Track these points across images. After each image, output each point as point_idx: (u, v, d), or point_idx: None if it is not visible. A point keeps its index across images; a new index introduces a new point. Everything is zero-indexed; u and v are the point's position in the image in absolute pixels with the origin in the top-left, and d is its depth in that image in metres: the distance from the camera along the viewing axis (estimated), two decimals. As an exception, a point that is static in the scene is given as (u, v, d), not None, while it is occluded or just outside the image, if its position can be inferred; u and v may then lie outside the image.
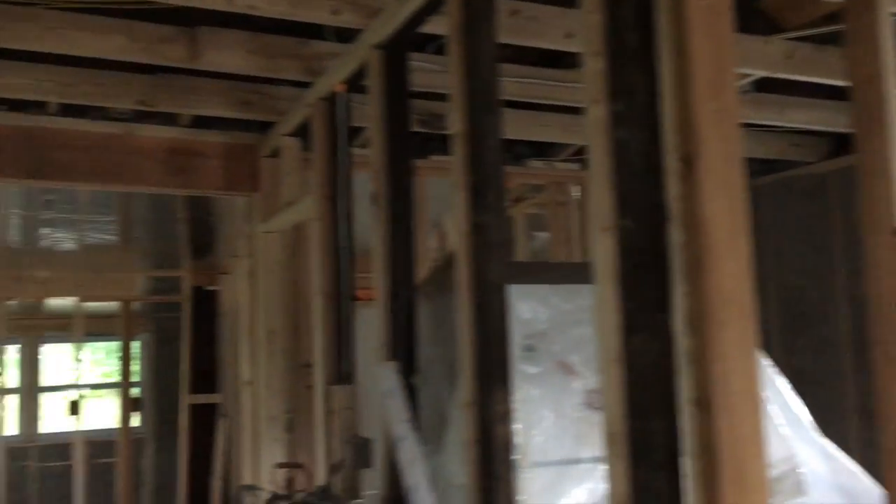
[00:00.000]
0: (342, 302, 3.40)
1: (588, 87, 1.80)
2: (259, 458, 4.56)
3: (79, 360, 7.06)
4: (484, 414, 2.18)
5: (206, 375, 7.00)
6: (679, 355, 1.62)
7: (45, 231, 6.10)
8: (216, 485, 6.66)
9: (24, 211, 5.81)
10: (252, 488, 3.22)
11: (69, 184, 4.45)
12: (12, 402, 6.71)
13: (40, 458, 8.26)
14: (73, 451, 6.99)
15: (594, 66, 1.77)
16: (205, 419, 6.96)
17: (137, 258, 6.95)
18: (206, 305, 7.10)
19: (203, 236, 6.85)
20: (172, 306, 8.18)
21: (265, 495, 2.94)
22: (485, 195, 2.27)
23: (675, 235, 1.63)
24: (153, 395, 8.85)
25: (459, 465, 2.25)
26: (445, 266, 2.82)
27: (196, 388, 6.98)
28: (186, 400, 6.95)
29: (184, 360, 7.02)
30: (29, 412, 8.70)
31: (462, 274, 2.27)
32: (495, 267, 2.23)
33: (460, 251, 2.29)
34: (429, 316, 2.85)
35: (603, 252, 1.72)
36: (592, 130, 1.78)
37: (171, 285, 7.54)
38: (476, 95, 2.29)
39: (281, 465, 3.56)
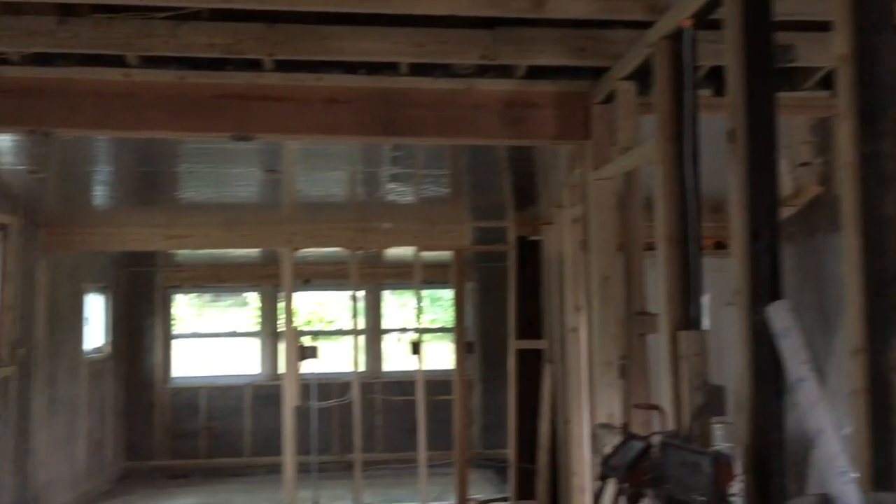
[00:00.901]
0: (689, 246, 3.31)
1: None
2: (594, 403, 4.64)
3: (416, 307, 7.66)
4: (876, 361, 2.00)
5: (531, 322, 7.27)
6: None
7: (390, 186, 6.66)
8: (543, 427, 6.93)
9: (371, 167, 6.39)
10: (608, 427, 3.28)
11: (418, 139, 4.80)
12: (359, 343, 7.53)
13: (384, 392, 9.19)
14: (411, 387, 7.67)
15: None
16: (530, 364, 7.25)
17: (466, 210, 7.35)
18: (529, 255, 7.36)
19: (526, 188, 7.06)
20: (496, 256, 8.58)
21: (620, 435, 2.98)
22: (876, 122, 2.05)
23: None
24: (479, 341, 9.42)
25: (842, 415, 2.10)
26: (812, 207, 2.62)
27: (522, 335, 7.28)
28: (513, 345, 7.28)
29: (510, 308, 7.34)
30: (374, 352, 9.68)
31: (848, 209, 2.09)
32: (891, 200, 2.01)
33: (846, 185, 2.10)
34: (793, 260, 2.67)
35: None
36: None
37: (496, 236, 7.91)
38: (866, 13, 2.07)
39: (638, 406, 3.58)
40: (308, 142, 5.57)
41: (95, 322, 8.44)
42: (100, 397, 8.41)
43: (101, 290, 8.59)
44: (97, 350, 8.44)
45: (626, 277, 4.49)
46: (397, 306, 13.08)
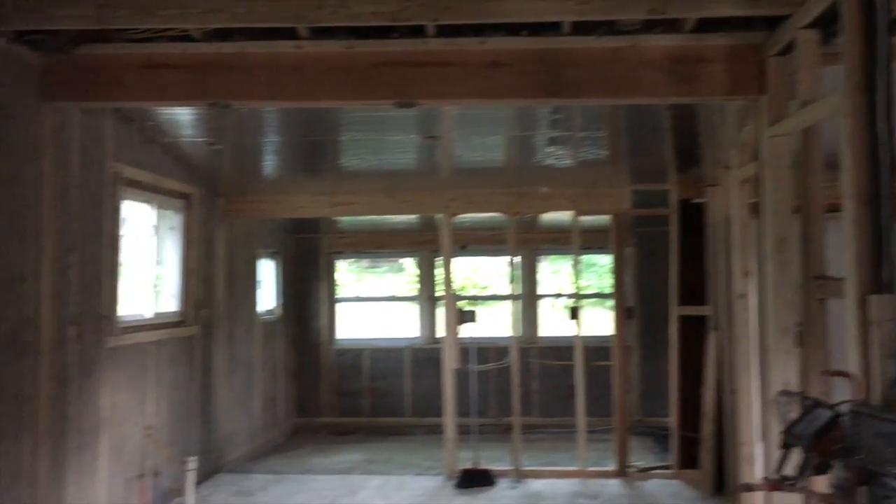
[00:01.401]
0: (881, 204, 3.08)
1: None
2: (767, 371, 4.45)
3: (574, 272, 7.59)
4: None
5: (694, 288, 7.04)
6: None
7: (548, 150, 6.59)
8: (708, 395, 6.73)
9: (528, 131, 6.35)
10: (790, 394, 3.13)
11: (580, 100, 4.71)
12: (514, 309, 7.54)
13: (540, 357, 9.20)
14: (567, 353, 7.63)
15: None
16: (693, 331, 7.04)
17: (625, 173, 7.17)
18: (692, 218, 7.11)
19: (689, 149, 6.80)
20: (655, 220, 8.34)
21: (800, 403, 2.84)
22: None
23: None
24: (638, 307, 9.22)
25: None
26: None
27: (684, 301, 7.07)
28: (675, 311, 7.09)
29: (672, 273, 7.13)
30: (529, 317, 9.70)
31: None
32: None
33: None
34: None
35: None
36: None
37: (656, 199, 7.68)
38: None
39: (826, 374, 3.41)
40: (466, 107, 5.60)
41: (267, 286, 8.93)
42: (272, 357, 8.92)
43: (271, 256, 9.06)
44: (269, 312, 8.94)
45: (803, 240, 4.26)
46: (550, 272, 13.02)
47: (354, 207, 7.64)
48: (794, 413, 2.83)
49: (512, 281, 7.74)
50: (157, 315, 6.32)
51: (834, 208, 3.75)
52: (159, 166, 6.20)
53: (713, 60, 4.42)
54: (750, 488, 3.70)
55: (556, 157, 6.74)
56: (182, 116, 5.87)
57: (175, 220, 6.68)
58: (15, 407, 4.40)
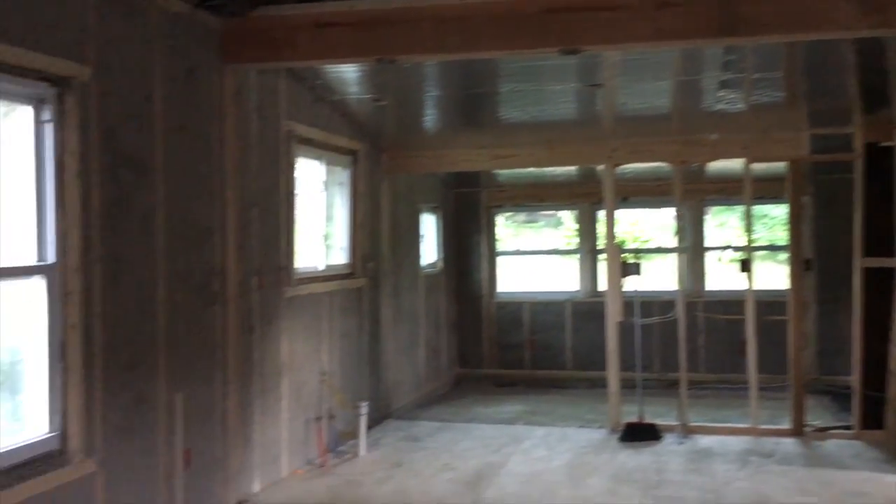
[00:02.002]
0: None
1: None
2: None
3: (745, 223, 7.24)
4: None
5: (881, 238, 6.55)
6: None
7: (719, 94, 6.26)
8: (894, 351, 6.28)
9: (696, 75, 6.05)
10: None
11: (757, 38, 4.44)
12: (679, 262, 7.27)
13: (706, 311, 8.90)
14: (735, 307, 7.33)
15: None
16: (878, 283, 6.57)
17: (803, 116, 6.72)
18: (880, 163, 6.58)
19: (877, 87, 6.27)
20: (834, 167, 7.80)
21: None
22: None
23: None
24: (814, 260, 8.70)
25: None
26: None
27: (869, 252, 6.59)
28: (859, 263, 6.62)
29: (855, 223, 6.66)
30: (696, 271, 9.38)
31: None
32: None
33: None
34: None
35: None
36: None
37: (835, 143, 7.16)
38: None
39: None
40: (630, 52, 5.41)
41: (429, 240, 9.11)
42: (435, 309, 9.13)
43: (432, 210, 9.22)
44: (431, 265, 9.13)
45: None
46: (716, 225, 12.52)
47: (515, 160, 7.62)
48: None
49: (677, 233, 7.49)
50: (329, 267, 6.61)
51: None
52: (328, 123, 6.43)
53: (910, -13, 4.03)
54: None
55: (727, 101, 6.41)
56: (348, 74, 6.04)
57: (343, 175, 6.93)
58: (207, 351, 4.75)
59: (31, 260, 3.57)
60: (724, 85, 6.05)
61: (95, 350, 3.79)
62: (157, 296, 4.28)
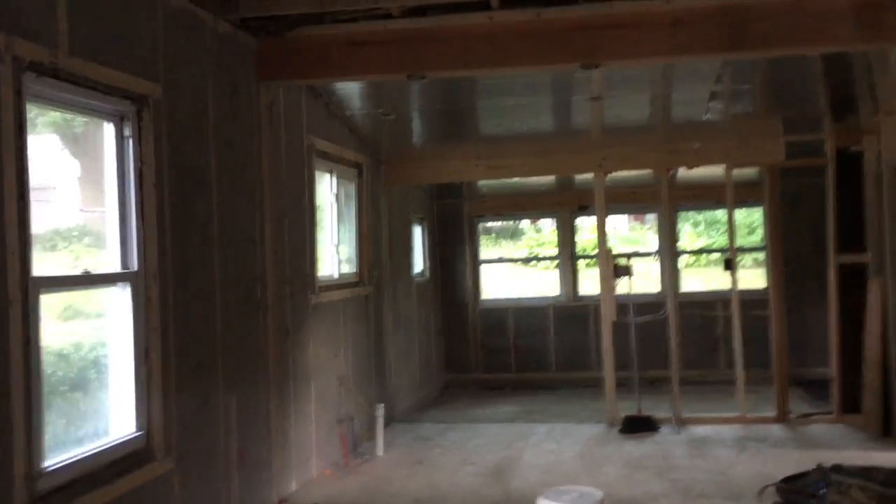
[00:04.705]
0: None
1: None
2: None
3: (727, 225, 7.73)
4: None
5: (851, 236, 7.10)
6: None
7: (710, 104, 6.71)
8: (871, 342, 6.81)
9: (689, 87, 6.49)
10: None
11: (764, 52, 4.89)
12: (660, 264, 7.73)
13: (680, 310, 9.37)
14: (710, 306, 7.84)
15: None
16: (849, 279, 7.11)
17: (778, 124, 7.24)
18: (847, 168, 7.13)
19: (845, 97, 6.82)
20: (798, 171, 8.36)
21: None
22: None
23: None
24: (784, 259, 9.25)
25: None
26: None
27: (840, 250, 7.15)
28: (834, 260, 7.16)
29: (828, 223, 7.20)
30: (671, 272, 9.84)
31: None
32: None
33: None
34: None
35: None
36: None
37: (802, 149, 7.70)
38: None
39: None
40: (622, 67, 5.78)
41: (416, 249, 9.39)
42: (425, 316, 9.40)
43: (419, 221, 9.51)
44: (420, 274, 9.41)
45: None
46: (687, 228, 13.10)
47: (509, 170, 7.97)
48: None
49: (661, 236, 7.95)
50: (341, 276, 6.84)
51: None
52: (339, 137, 6.68)
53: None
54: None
55: (712, 111, 6.88)
56: (357, 90, 6.31)
57: (350, 187, 7.18)
58: (253, 355, 4.95)
59: (116, 267, 3.76)
60: (713, 96, 6.50)
61: (171, 352, 3.99)
62: (215, 301, 4.48)
